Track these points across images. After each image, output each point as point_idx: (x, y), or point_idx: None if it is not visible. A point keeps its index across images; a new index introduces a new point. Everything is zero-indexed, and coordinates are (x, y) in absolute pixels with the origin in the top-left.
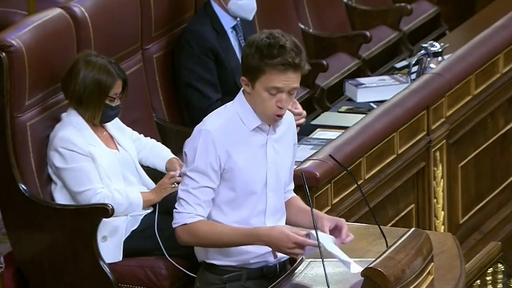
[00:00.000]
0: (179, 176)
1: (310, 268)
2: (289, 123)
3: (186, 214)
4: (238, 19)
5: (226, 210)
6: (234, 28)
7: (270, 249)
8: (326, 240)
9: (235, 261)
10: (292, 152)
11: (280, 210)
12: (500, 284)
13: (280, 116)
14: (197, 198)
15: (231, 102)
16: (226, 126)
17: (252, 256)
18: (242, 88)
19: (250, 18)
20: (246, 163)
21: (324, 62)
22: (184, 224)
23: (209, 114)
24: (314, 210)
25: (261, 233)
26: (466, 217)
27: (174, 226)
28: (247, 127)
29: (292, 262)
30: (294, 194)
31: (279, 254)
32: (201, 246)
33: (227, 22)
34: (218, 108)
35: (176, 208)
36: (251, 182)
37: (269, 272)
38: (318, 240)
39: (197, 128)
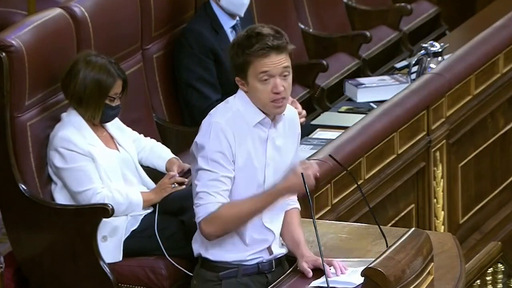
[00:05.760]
0: (185, 174)
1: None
2: (291, 119)
3: (209, 204)
4: (238, 18)
5: None
6: (234, 28)
7: (266, 246)
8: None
9: (231, 257)
10: (294, 150)
11: (277, 207)
12: (500, 284)
13: (279, 103)
14: (216, 187)
15: (233, 97)
16: (233, 120)
17: (249, 253)
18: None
19: (242, 14)
20: (246, 160)
21: (324, 62)
22: (209, 214)
23: (215, 108)
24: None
25: (279, 187)
26: (466, 217)
27: (198, 220)
28: (249, 123)
29: (291, 261)
30: (296, 206)
31: (275, 251)
32: (229, 230)
33: (227, 22)
34: (222, 102)
35: (196, 203)
36: (249, 179)
37: (264, 268)
38: (319, 245)
39: (205, 122)
